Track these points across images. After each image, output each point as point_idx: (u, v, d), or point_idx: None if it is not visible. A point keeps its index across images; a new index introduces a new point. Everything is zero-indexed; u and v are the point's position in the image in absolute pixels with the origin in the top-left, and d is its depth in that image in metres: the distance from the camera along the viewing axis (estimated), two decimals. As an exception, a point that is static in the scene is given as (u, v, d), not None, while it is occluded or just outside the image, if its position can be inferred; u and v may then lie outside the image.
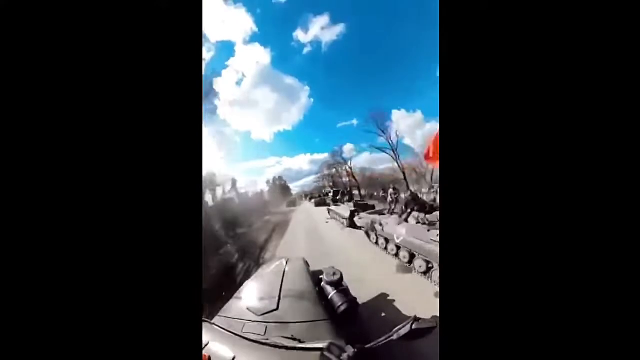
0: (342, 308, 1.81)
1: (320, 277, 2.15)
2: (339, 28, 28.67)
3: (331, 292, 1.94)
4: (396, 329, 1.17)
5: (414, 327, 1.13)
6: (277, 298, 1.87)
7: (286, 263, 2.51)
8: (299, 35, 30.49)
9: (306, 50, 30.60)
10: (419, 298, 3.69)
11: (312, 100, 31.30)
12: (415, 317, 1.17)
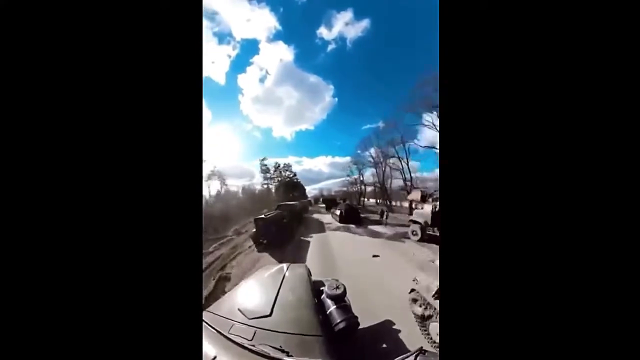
0: (341, 326, 1.69)
1: (322, 288, 2.04)
2: (364, 23, 27.59)
3: (331, 306, 1.83)
4: (398, 359, 1.11)
5: (418, 359, 1.07)
6: (271, 303, 1.77)
7: (287, 268, 2.41)
8: (323, 32, 29.32)
9: (330, 47, 29.64)
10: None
11: (335, 99, 30.18)
12: (421, 348, 1.11)
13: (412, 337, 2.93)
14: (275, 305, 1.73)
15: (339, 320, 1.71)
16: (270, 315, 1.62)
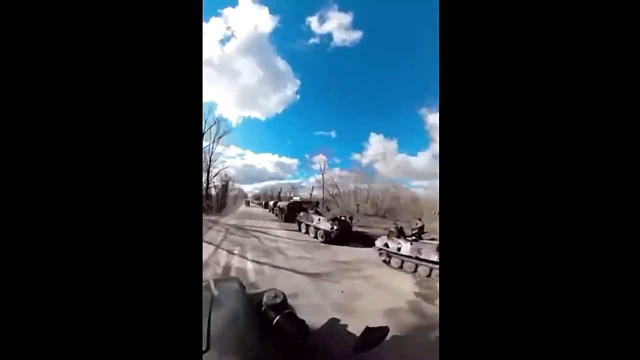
0: (291, 334, 1.56)
1: (260, 301, 1.85)
2: (357, 34, 23.65)
3: (275, 316, 1.67)
4: (353, 344, 1.18)
5: (368, 336, 1.15)
6: (205, 335, 1.46)
7: (214, 285, 2.00)
8: (312, 22, 24.26)
9: (312, 41, 24.68)
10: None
11: (298, 96, 25.99)
12: (367, 327, 1.20)
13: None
14: (211, 335, 1.43)
15: (288, 329, 1.60)
16: (207, 350, 1.33)
